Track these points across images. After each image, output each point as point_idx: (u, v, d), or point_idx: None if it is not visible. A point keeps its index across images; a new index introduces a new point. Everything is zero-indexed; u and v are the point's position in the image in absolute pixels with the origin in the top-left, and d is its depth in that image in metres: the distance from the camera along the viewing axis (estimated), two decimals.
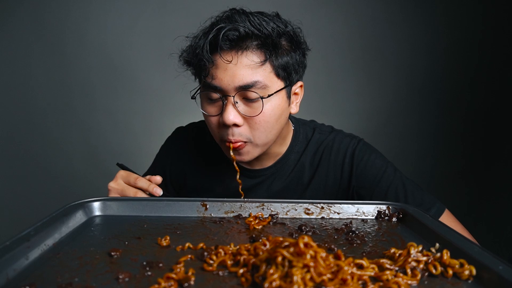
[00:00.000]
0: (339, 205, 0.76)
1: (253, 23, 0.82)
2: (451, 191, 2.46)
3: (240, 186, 0.92)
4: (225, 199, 0.76)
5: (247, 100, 0.84)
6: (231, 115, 0.83)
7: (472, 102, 2.50)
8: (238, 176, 0.91)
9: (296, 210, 0.75)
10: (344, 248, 0.60)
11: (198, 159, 1.08)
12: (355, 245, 0.61)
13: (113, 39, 2.41)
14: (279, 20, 0.87)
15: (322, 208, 0.75)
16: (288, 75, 0.88)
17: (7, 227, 2.30)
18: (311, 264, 0.44)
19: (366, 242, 0.62)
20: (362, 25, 2.42)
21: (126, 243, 0.59)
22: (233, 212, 0.75)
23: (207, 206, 0.74)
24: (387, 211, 0.75)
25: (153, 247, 0.58)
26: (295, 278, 0.42)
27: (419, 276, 0.48)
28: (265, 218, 0.72)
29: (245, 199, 0.76)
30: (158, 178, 0.89)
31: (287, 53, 0.87)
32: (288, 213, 0.75)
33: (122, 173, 0.89)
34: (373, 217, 0.75)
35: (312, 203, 0.76)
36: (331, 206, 0.76)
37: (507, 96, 2.42)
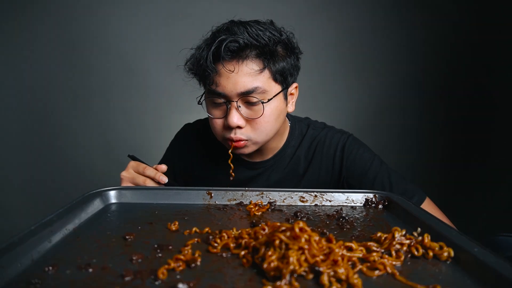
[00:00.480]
0: (331, 193, 0.76)
1: (251, 34, 0.81)
2: (431, 181, 2.46)
3: (232, 177, 0.92)
4: (229, 188, 0.76)
5: (249, 104, 0.84)
6: (235, 118, 0.83)
7: (451, 101, 2.50)
8: (231, 170, 0.91)
9: (292, 198, 0.75)
10: (335, 232, 0.59)
11: (204, 152, 1.08)
12: (345, 229, 0.61)
13: (128, 45, 2.40)
14: (273, 28, 0.86)
15: (316, 196, 0.75)
16: (284, 79, 0.88)
17: (33, 213, 2.31)
18: (306, 246, 0.44)
19: (355, 227, 0.62)
20: (350, 32, 2.42)
21: (139, 227, 0.59)
22: (235, 200, 0.75)
23: (212, 195, 0.74)
24: (374, 199, 0.75)
25: (164, 231, 0.58)
26: (291, 259, 0.42)
27: (402, 258, 0.48)
28: (264, 205, 0.72)
29: (246, 188, 0.76)
30: (164, 167, 0.90)
31: (283, 59, 0.86)
32: (285, 200, 0.75)
33: (132, 163, 0.90)
34: (361, 205, 0.75)
35: (307, 191, 0.76)
36: (323, 195, 0.75)
37: (486, 94, 2.41)
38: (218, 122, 0.87)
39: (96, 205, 0.68)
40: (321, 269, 0.42)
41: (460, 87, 2.48)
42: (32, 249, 0.47)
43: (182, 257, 0.46)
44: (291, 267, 0.41)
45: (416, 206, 0.67)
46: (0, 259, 0.43)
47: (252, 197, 0.75)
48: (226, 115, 0.85)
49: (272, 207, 0.72)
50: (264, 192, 0.75)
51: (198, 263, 0.46)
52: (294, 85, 0.94)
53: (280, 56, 0.86)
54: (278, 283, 0.40)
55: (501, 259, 0.44)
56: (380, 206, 0.74)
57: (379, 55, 2.46)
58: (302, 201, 0.75)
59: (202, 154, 1.08)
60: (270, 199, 0.75)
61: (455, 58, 2.45)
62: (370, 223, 0.65)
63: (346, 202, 0.75)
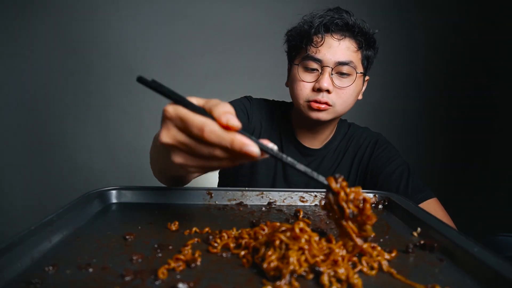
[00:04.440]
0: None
1: (356, 20, 0.96)
2: (431, 181, 2.46)
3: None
4: (228, 188, 0.75)
5: (340, 75, 0.96)
6: (327, 82, 0.94)
7: (451, 101, 2.49)
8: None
9: (292, 198, 0.75)
10: (335, 233, 0.59)
11: (269, 125, 1.15)
12: None
13: (128, 45, 2.40)
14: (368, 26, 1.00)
15: (315, 196, 0.75)
16: (367, 66, 1.03)
17: (33, 213, 2.32)
18: (306, 247, 0.44)
19: None
20: None
21: (139, 227, 0.59)
22: (235, 199, 0.75)
23: (212, 195, 0.74)
24: (374, 199, 0.75)
25: (164, 231, 0.58)
26: (291, 259, 0.42)
27: (394, 253, 0.48)
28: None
29: (246, 188, 0.76)
30: (236, 122, 0.42)
31: (370, 49, 1.02)
32: (284, 200, 0.75)
33: (171, 113, 0.45)
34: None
35: (307, 191, 0.76)
36: (323, 195, 0.75)
37: (486, 94, 2.41)
38: (307, 86, 0.98)
39: (96, 205, 0.68)
40: (321, 269, 0.42)
41: (460, 87, 2.48)
42: (32, 249, 0.47)
43: (182, 257, 0.46)
44: (291, 267, 0.41)
45: (416, 206, 0.68)
46: (0, 259, 0.43)
47: (252, 197, 0.75)
48: (318, 79, 0.96)
49: (272, 207, 0.72)
50: (264, 192, 0.75)
51: (198, 263, 0.46)
52: (367, 77, 1.08)
53: (370, 46, 1.01)
54: (278, 283, 0.40)
55: (501, 259, 0.44)
56: (380, 206, 0.74)
57: (379, 55, 2.44)
58: (302, 201, 0.75)
59: (267, 125, 1.14)
60: (270, 199, 0.75)
61: (455, 58, 2.46)
62: None
63: None
